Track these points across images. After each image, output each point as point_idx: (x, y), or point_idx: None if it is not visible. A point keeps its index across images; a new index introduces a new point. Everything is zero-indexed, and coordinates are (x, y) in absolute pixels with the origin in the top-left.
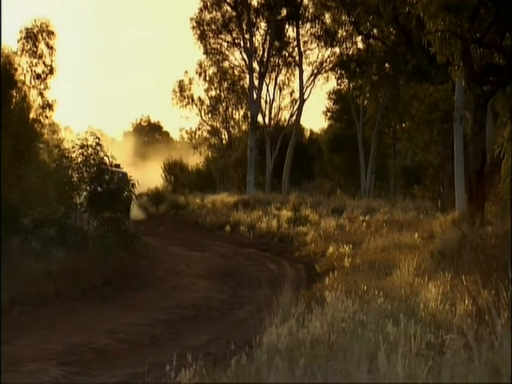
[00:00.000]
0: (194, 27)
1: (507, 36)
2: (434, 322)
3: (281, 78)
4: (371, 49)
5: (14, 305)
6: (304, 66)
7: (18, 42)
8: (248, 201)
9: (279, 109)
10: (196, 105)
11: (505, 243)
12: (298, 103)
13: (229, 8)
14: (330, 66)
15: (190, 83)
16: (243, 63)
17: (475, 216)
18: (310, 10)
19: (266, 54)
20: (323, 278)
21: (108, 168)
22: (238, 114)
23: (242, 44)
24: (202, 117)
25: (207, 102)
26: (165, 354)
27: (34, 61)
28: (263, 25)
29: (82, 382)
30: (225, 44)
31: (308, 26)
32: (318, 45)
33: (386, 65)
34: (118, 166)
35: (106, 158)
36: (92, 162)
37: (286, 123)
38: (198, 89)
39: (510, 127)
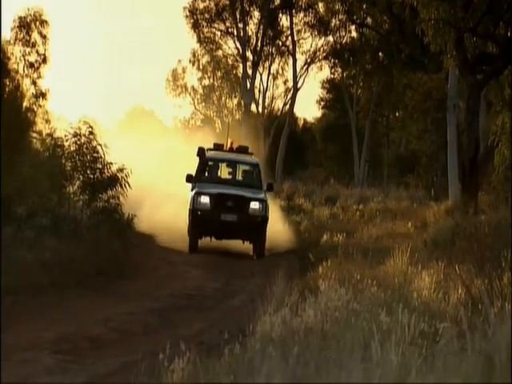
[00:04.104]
0: (187, 16)
1: (501, 25)
2: (428, 310)
3: (274, 67)
4: (365, 38)
5: (8, 294)
6: (297, 55)
7: (11, 30)
8: None
9: (273, 98)
10: (189, 94)
11: (498, 232)
12: (291, 92)
13: None
14: (324, 55)
15: (184, 72)
16: (237, 52)
17: (468, 205)
18: None
19: (259, 43)
20: (317, 267)
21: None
22: (232, 103)
23: (235, 33)
24: (195, 106)
25: (200, 90)
26: (158, 343)
27: (27, 50)
28: (257, 14)
29: (75, 371)
30: (218, 33)
31: (301, 14)
32: (311, 34)
33: (380, 54)
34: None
35: (99, 146)
36: (85, 150)
37: (279, 112)
38: (192, 78)
39: (503, 116)
